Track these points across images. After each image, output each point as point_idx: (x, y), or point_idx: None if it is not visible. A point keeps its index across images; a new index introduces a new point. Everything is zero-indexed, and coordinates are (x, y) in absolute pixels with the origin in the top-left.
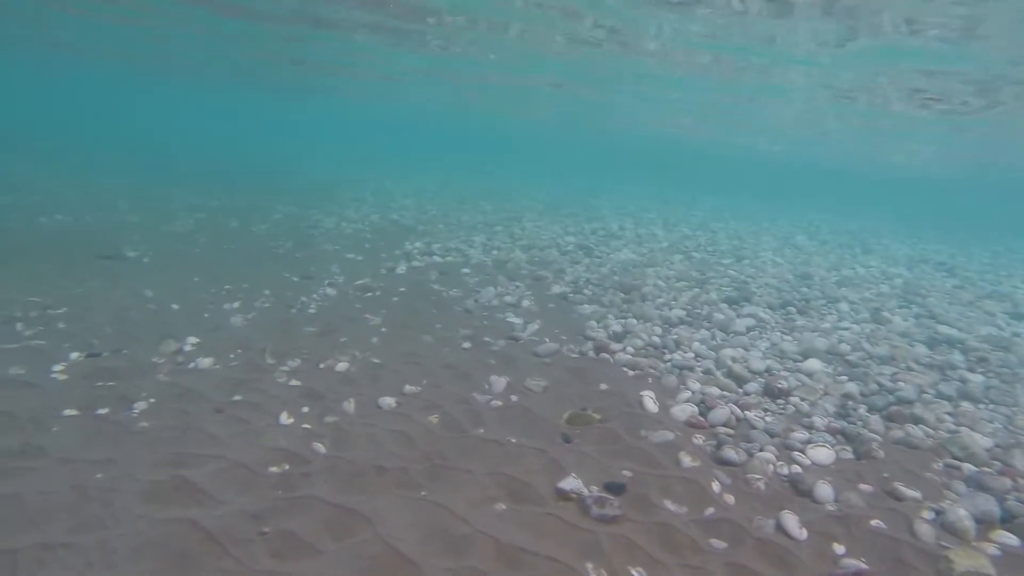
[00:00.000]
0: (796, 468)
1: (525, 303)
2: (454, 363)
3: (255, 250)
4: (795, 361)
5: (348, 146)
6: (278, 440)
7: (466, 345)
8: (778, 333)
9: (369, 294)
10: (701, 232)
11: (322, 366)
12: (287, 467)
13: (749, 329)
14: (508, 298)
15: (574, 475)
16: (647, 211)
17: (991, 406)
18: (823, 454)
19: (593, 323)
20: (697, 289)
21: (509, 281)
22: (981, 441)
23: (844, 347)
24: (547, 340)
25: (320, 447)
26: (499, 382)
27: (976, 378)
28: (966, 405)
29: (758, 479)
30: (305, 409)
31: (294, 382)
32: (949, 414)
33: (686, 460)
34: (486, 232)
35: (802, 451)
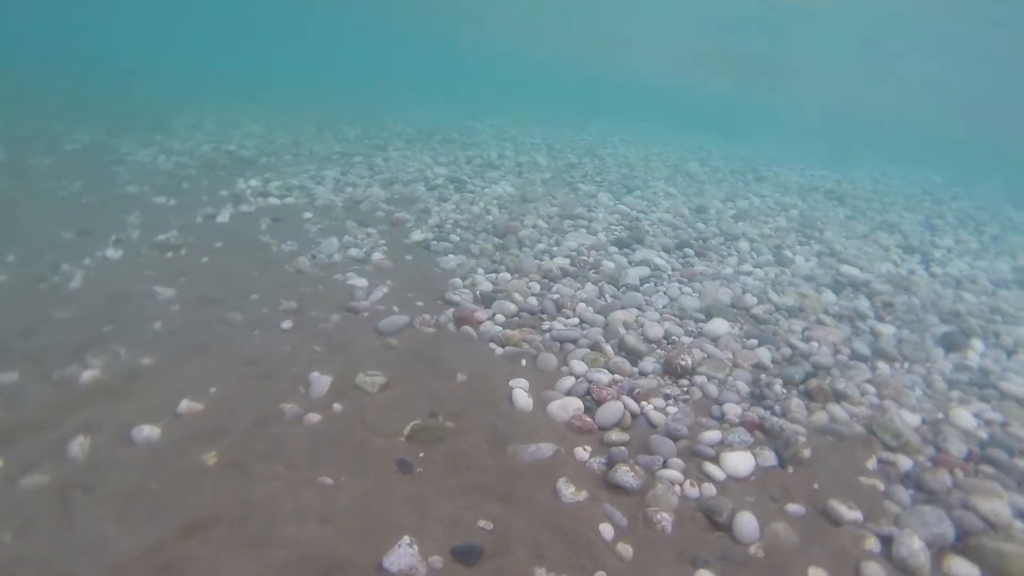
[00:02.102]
0: (709, 487)
1: (376, 256)
2: (263, 355)
3: (21, 194)
4: (697, 322)
5: (196, 59)
6: None
7: (286, 325)
8: (676, 284)
9: (170, 254)
10: (588, 159)
11: (56, 377)
12: None
13: (643, 280)
14: (354, 251)
15: (408, 540)
16: (531, 135)
17: (907, 365)
18: (740, 462)
19: (457, 280)
20: (583, 230)
21: (360, 227)
22: (910, 420)
23: (750, 299)
24: (396, 309)
25: None
26: (320, 383)
27: (887, 329)
28: (883, 367)
29: (663, 516)
30: None
31: None
32: (869, 382)
33: (567, 491)
34: (342, 164)
35: (715, 459)
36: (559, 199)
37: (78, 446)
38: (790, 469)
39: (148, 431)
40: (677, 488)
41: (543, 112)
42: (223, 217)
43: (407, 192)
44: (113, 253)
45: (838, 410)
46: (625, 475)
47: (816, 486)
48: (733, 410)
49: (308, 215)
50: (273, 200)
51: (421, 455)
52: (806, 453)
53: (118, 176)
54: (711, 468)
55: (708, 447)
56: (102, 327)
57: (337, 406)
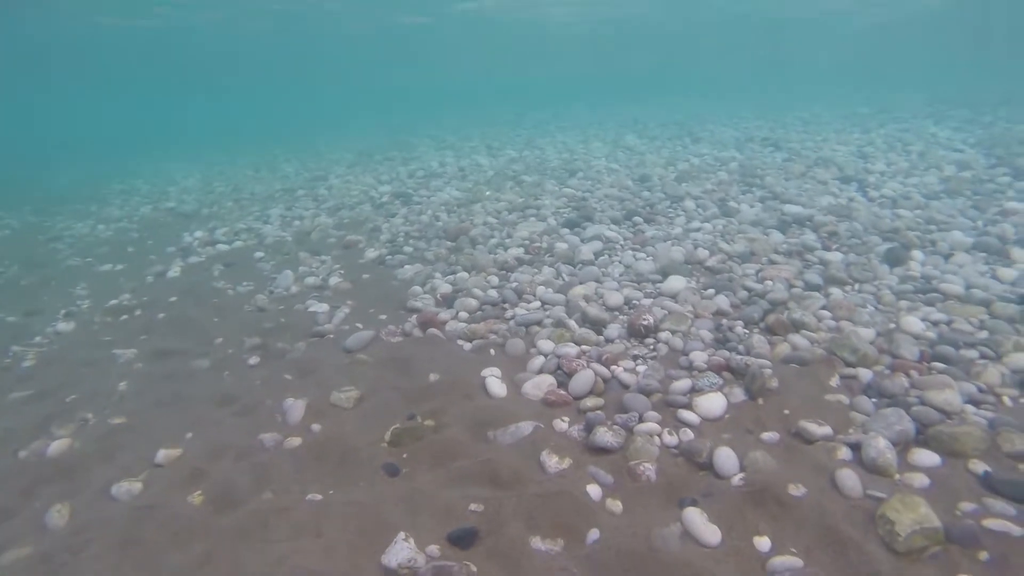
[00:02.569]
0: (687, 432)
1: (333, 280)
2: (235, 394)
3: None
4: (655, 283)
5: (111, 134)
6: None
7: (253, 361)
8: (629, 252)
9: (125, 317)
10: (528, 152)
11: (23, 454)
12: None
13: (597, 255)
14: (311, 279)
15: (403, 535)
16: (469, 140)
17: (857, 286)
18: (713, 403)
19: (417, 288)
20: (533, 218)
21: (313, 256)
22: (865, 335)
23: (702, 252)
24: (360, 326)
25: None
26: (295, 408)
27: (834, 256)
28: (836, 292)
29: (646, 467)
30: None
31: None
32: (824, 308)
33: (551, 461)
34: (286, 201)
35: (688, 405)
36: (505, 194)
37: (56, 514)
38: (760, 401)
39: (128, 486)
40: (656, 439)
41: (476, 117)
42: (174, 272)
43: (355, 215)
44: (65, 326)
45: (798, 339)
46: (604, 436)
47: (787, 412)
48: (700, 358)
49: (259, 254)
50: (222, 247)
51: (405, 456)
52: (773, 383)
53: (58, 252)
54: (686, 414)
55: (680, 396)
56: (65, 398)
57: (316, 426)
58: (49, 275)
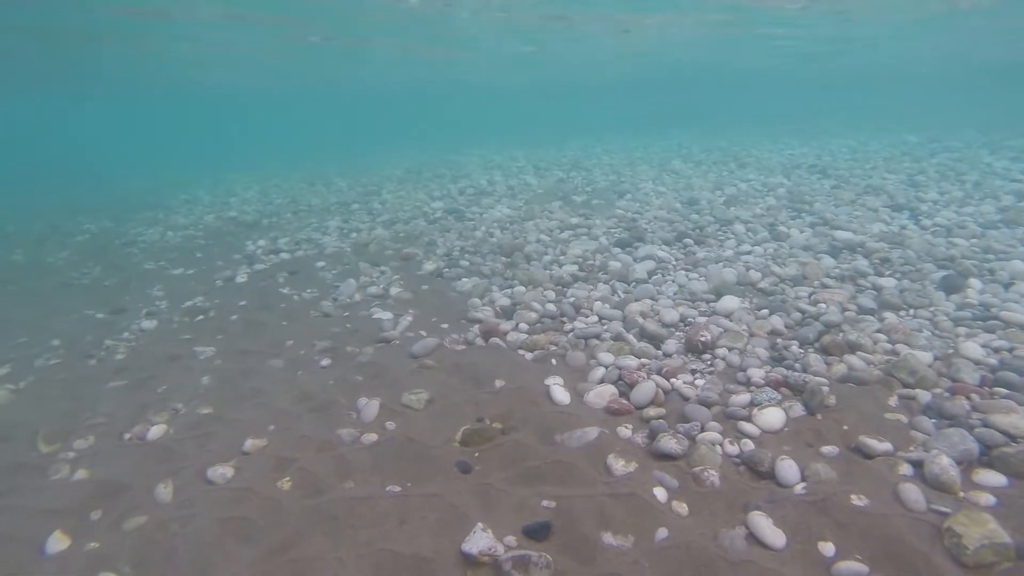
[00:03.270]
0: (748, 443)
1: (394, 291)
2: (311, 391)
3: (47, 287)
4: (708, 302)
5: (176, 146)
6: None
7: (325, 362)
8: (682, 272)
9: (200, 317)
10: (576, 173)
11: (128, 436)
12: None
13: (651, 274)
14: (373, 289)
15: (482, 526)
16: (516, 160)
17: (912, 312)
18: (772, 417)
19: (476, 300)
20: (584, 236)
21: (372, 267)
22: (923, 358)
23: (754, 274)
24: (424, 334)
25: None
26: (370, 407)
27: (888, 282)
28: (890, 316)
29: (710, 472)
30: (95, 515)
31: (81, 474)
32: (880, 332)
33: (618, 464)
34: (342, 214)
35: (748, 418)
36: (556, 213)
37: (163, 490)
38: (819, 416)
39: (223, 470)
40: (718, 447)
41: (519, 139)
42: (241, 278)
43: (409, 229)
44: (148, 324)
45: (855, 360)
46: (668, 443)
47: (845, 427)
48: (757, 374)
49: (321, 264)
50: (284, 255)
51: (476, 455)
52: (831, 400)
53: (133, 256)
54: (746, 426)
55: (740, 408)
56: (156, 388)
57: (390, 424)
58: (128, 277)
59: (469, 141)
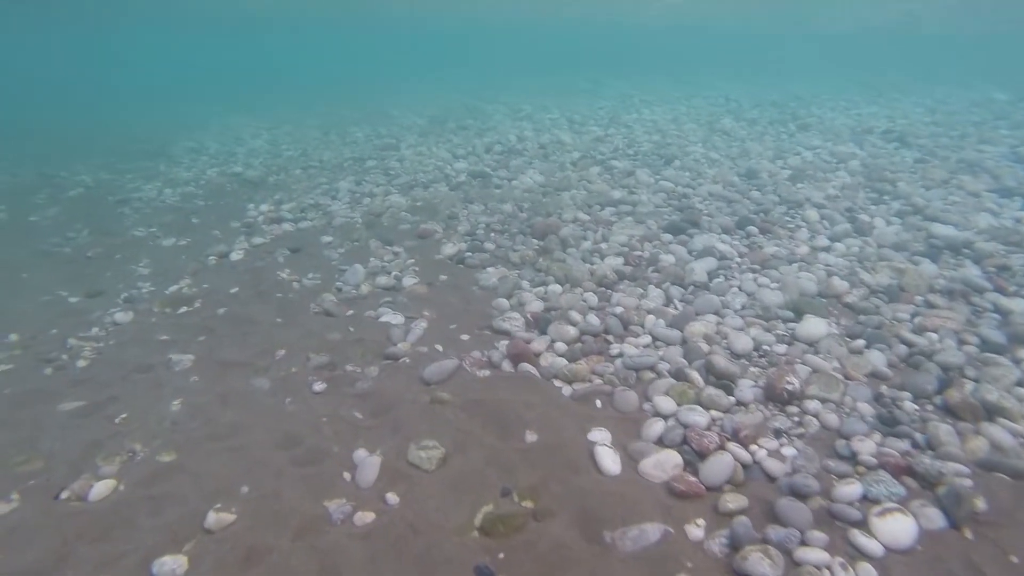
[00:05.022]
0: (867, 570)
1: (407, 281)
2: (298, 432)
3: (22, 255)
4: (786, 321)
5: (184, 80)
6: None
7: (319, 387)
8: (749, 275)
9: (184, 309)
10: (614, 129)
11: (65, 495)
12: None
13: (711, 275)
14: (383, 278)
15: None
16: (547, 110)
17: None
18: (898, 528)
19: (503, 302)
20: (629, 217)
21: (384, 246)
22: None
23: (838, 283)
24: (439, 349)
25: None
26: (368, 465)
27: (1016, 304)
28: None
29: None
30: None
31: None
32: (1021, 385)
33: None
34: (355, 172)
35: (862, 524)
36: (595, 183)
37: None
38: (967, 532)
39: (172, 563)
40: (827, 573)
41: (550, 83)
42: (237, 254)
43: (429, 196)
44: (123, 316)
45: (998, 432)
46: (759, 564)
47: (1014, 559)
48: (864, 446)
49: (327, 239)
50: (287, 226)
51: (501, 556)
52: (979, 504)
53: (124, 218)
54: (861, 539)
55: (849, 506)
56: (115, 417)
57: (391, 497)
58: (114, 246)
59: (498, 84)
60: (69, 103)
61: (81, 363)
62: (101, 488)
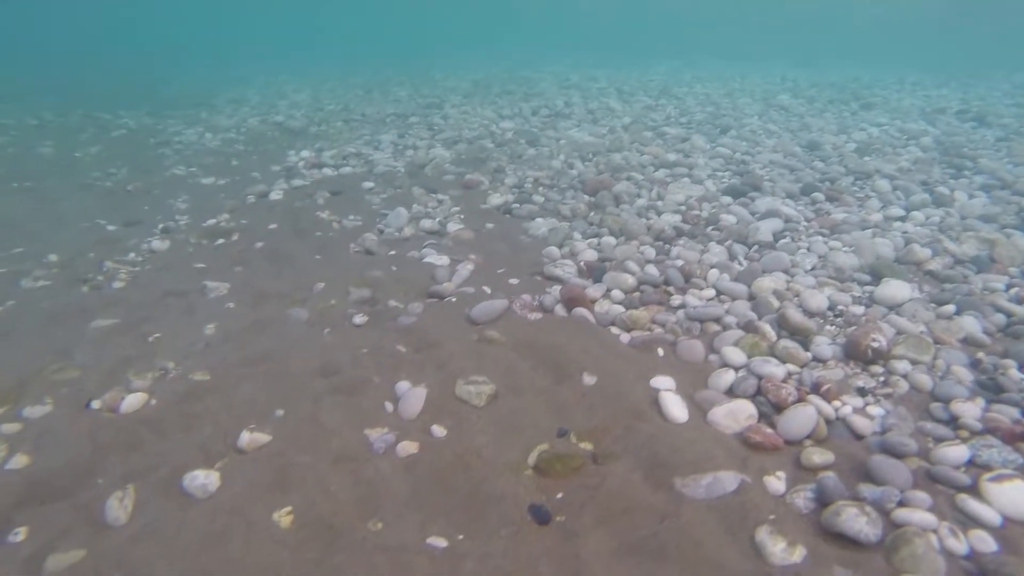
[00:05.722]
0: (982, 537)
1: (452, 227)
2: (336, 362)
3: (66, 187)
4: (863, 284)
5: (228, 42)
6: None
7: (360, 319)
8: (818, 238)
9: (221, 241)
10: (665, 100)
11: (96, 404)
12: None
13: (777, 236)
14: (427, 222)
15: None
16: (595, 80)
17: None
18: (1017, 495)
19: (553, 249)
20: (686, 179)
21: (428, 194)
22: None
23: (920, 250)
24: (487, 291)
25: None
26: (412, 397)
27: None
28: None
29: None
30: (14, 538)
31: (18, 461)
32: None
33: (776, 548)
34: (398, 127)
35: (972, 489)
36: (648, 146)
37: (117, 504)
38: None
39: (204, 478)
40: (933, 538)
41: (598, 59)
42: (276, 194)
43: (474, 151)
44: (160, 244)
45: None
46: (855, 520)
47: None
48: (967, 409)
49: (369, 184)
50: (328, 171)
51: (559, 496)
52: None
53: (165, 158)
54: (972, 504)
55: (955, 470)
56: (148, 336)
57: (437, 429)
58: (153, 183)
59: (544, 57)
60: (122, 57)
61: (117, 284)
62: (132, 401)
